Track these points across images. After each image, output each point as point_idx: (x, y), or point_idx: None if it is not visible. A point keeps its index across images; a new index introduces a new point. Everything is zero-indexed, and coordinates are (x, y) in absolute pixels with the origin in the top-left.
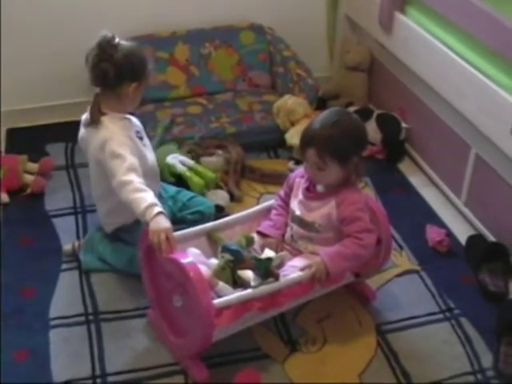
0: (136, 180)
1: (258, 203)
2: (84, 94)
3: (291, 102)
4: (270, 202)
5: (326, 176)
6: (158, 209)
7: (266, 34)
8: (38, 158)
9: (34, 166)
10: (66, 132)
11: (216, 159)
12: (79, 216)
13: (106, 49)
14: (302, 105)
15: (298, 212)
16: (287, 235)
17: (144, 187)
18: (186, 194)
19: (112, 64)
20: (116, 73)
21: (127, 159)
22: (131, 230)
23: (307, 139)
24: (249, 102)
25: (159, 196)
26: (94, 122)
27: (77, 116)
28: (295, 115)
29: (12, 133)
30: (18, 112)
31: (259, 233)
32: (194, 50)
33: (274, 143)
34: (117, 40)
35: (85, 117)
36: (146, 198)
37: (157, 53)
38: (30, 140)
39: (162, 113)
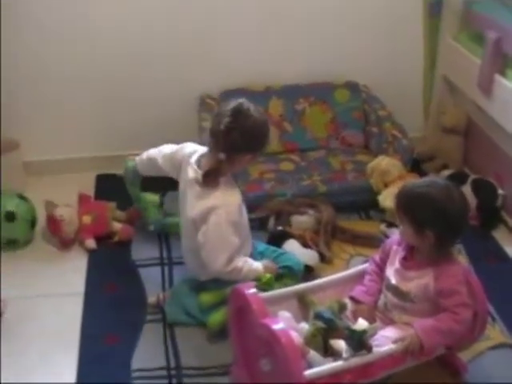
0: (235, 267)
1: (348, 265)
2: (177, 143)
3: (385, 163)
4: (363, 266)
5: (403, 233)
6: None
7: (361, 92)
8: (126, 206)
9: (122, 214)
10: (156, 181)
11: (307, 219)
12: (165, 267)
13: (238, 118)
14: (397, 166)
15: (393, 281)
16: (380, 303)
17: (243, 263)
18: (274, 251)
19: (241, 134)
20: (241, 142)
21: (229, 247)
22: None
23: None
24: (341, 160)
25: (250, 254)
26: (209, 185)
27: None
28: (389, 176)
29: (102, 179)
30: (108, 158)
31: (352, 298)
32: (288, 106)
33: (365, 204)
34: (251, 111)
35: (196, 171)
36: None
37: None
38: (119, 187)
39: (254, 168)
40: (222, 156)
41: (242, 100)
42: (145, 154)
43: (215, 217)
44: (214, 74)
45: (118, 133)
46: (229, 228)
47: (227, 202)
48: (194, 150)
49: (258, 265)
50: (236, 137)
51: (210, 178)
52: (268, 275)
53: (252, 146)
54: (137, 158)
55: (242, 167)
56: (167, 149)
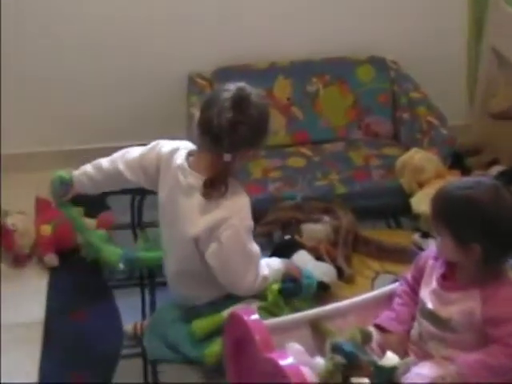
0: (262, 277)
1: (373, 285)
2: (156, 137)
3: (419, 158)
4: (392, 286)
5: (442, 247)
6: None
7: (390, 70)
8: (96, 212)
9: (91, 222)
10: None
11: (322, 227)
12: (146, 289)
13: (242, 109)
14: (433, 162)
15: (429, 304)
16: (414, 332)
17: (265, 269)
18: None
19: (247, 128)
20: (247, 138)
21: (253, 259)
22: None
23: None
24: (365, 155)
25: None
26: (216, 194)
27: None
28: (424, 174)
29: None
30: (75, 153)
31: (378, 326)
32: (298, 87)
33: (395, 209)
34: (253, 96)
35: (195, 176)
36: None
37: None
38: None
39: (256, 165)
40: (227, 157)
41: (241, 85)
42: (88, 169)
43: (229, 230)
44: (206, 46)
45: (89, 122)
46: (246, 236)
47: (238, 207)
48: (175, 148)
49: (274, 262)
50: (242, 132)
51: (216, 185)
52: (275, 286)
53: (257, 139)
54: (75, 173)
55: (242, 165)
56: (132, 153)
